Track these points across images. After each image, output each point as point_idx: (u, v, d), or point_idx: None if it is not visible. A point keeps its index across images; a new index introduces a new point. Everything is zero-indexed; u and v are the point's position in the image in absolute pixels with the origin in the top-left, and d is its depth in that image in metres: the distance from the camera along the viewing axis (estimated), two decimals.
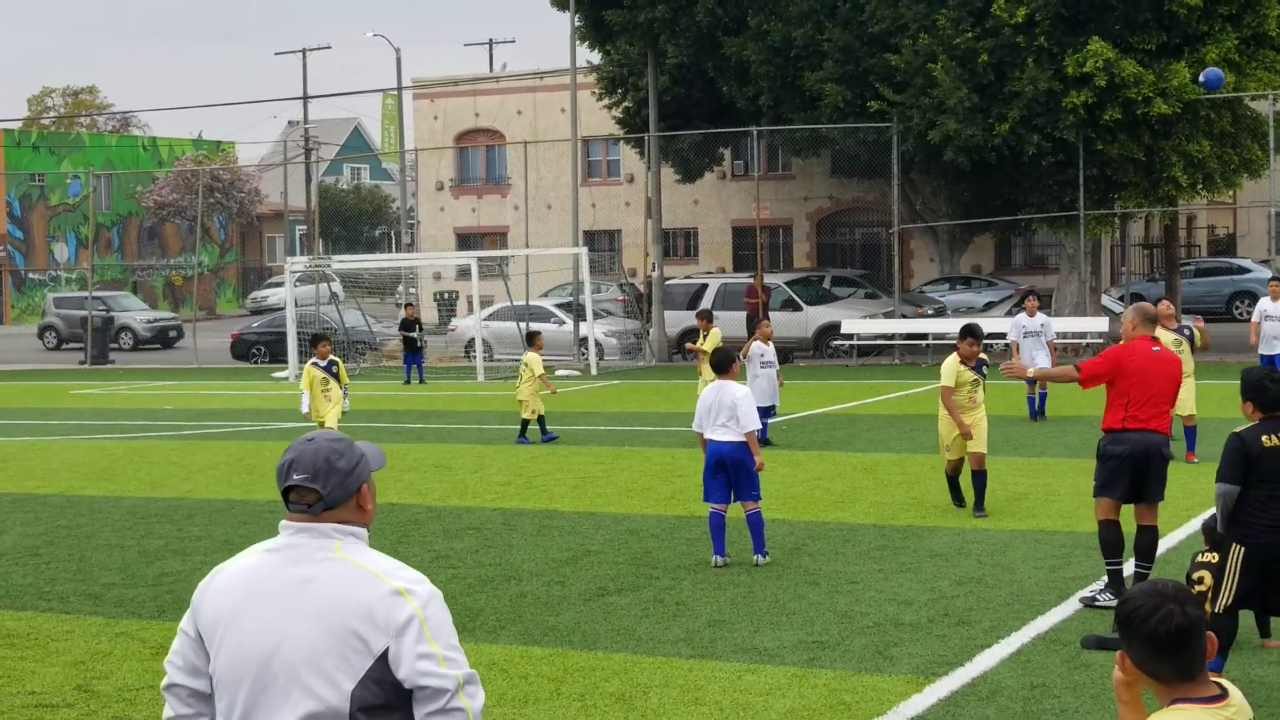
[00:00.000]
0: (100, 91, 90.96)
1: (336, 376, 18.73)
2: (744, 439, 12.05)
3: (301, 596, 3.77)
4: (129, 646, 10.01)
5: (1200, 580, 8.96)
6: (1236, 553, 8.47)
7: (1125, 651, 3.51)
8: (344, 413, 18.85)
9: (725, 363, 12.49)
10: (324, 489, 3.83)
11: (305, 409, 18.74)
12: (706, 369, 22.05)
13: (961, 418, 13.97)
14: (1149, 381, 10.16)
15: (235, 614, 3.81)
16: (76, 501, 16.65)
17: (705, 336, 21.93)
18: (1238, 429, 8.68)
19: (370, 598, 3.73)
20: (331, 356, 18.92)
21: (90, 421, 25.80)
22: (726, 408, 12.10)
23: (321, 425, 18.34)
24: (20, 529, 14.89)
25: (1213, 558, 9.07)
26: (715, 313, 37.28)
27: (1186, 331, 17.32)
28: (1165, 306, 17.16)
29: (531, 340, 21.67)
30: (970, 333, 14.40)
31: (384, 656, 3.71)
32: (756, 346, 19.59)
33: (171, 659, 3.95)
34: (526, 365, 20.83)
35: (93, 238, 53.38)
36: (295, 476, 3.85)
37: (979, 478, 14.19)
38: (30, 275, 69.70)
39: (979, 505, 14.18)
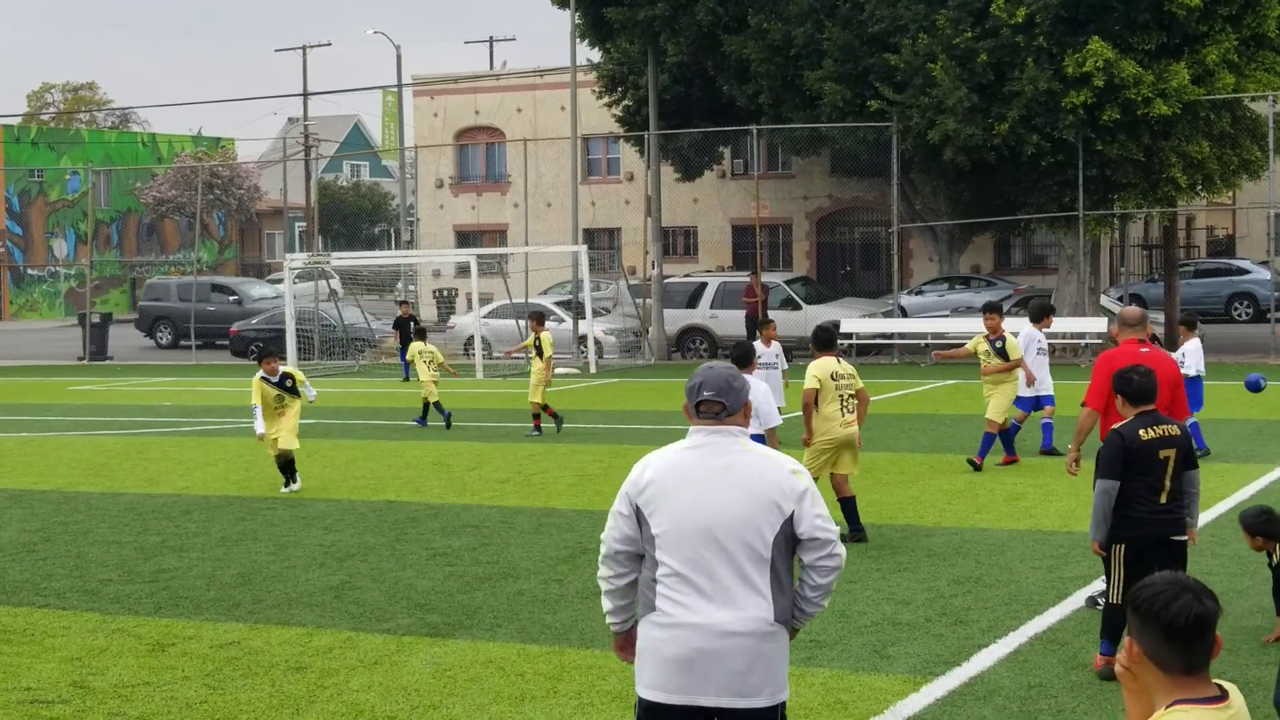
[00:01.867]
0: (100, 88, 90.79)
1: (292, 390, 16.62)
2: (763, 433, 12.30)
3: (728, 478, 5.18)
4: (125, 643, 10.00)
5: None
6: (1118, 551, 8.60)
7: (1135, 639, 3.51)
8: (309, 402, 17.15)
9: (745, 358, 12.83)
10: (727, 401, 5.27)
11: (260, 430, 16.45)
12: (537, 371, 21.29)
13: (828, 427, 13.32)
14: None
15: (671, 491, 5.20)
16: (74, 498, 16.63)
17: (538, 338, 21.52)
18: (1117, 425, 8.83)
19: (778, 476, 5.19)
20: (285, 369, 16.81)
21: (88, 418, 25.77)
22: None
23: (275, 447, 16.61)
24: (17, 525, 14.89)
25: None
26: (715, 312, 37.68)
27: (999, 344, 17.45)
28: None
29: (423, 335, 24.59)
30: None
31: (790, 517, 5.15)
32: (755, 347, 19.46)
33: (610, 533, 5.34)
34: (432, 353, 23.34)
35: (92, 234, 53.33)
36: (706, 393, 5.27)
37: (846, 503, 13.03)
38: (29, 271, 69.66)
39: (853, 528, 12.87)
